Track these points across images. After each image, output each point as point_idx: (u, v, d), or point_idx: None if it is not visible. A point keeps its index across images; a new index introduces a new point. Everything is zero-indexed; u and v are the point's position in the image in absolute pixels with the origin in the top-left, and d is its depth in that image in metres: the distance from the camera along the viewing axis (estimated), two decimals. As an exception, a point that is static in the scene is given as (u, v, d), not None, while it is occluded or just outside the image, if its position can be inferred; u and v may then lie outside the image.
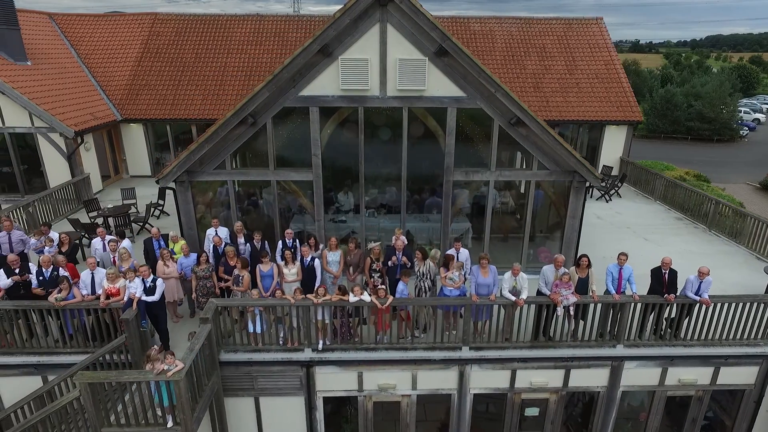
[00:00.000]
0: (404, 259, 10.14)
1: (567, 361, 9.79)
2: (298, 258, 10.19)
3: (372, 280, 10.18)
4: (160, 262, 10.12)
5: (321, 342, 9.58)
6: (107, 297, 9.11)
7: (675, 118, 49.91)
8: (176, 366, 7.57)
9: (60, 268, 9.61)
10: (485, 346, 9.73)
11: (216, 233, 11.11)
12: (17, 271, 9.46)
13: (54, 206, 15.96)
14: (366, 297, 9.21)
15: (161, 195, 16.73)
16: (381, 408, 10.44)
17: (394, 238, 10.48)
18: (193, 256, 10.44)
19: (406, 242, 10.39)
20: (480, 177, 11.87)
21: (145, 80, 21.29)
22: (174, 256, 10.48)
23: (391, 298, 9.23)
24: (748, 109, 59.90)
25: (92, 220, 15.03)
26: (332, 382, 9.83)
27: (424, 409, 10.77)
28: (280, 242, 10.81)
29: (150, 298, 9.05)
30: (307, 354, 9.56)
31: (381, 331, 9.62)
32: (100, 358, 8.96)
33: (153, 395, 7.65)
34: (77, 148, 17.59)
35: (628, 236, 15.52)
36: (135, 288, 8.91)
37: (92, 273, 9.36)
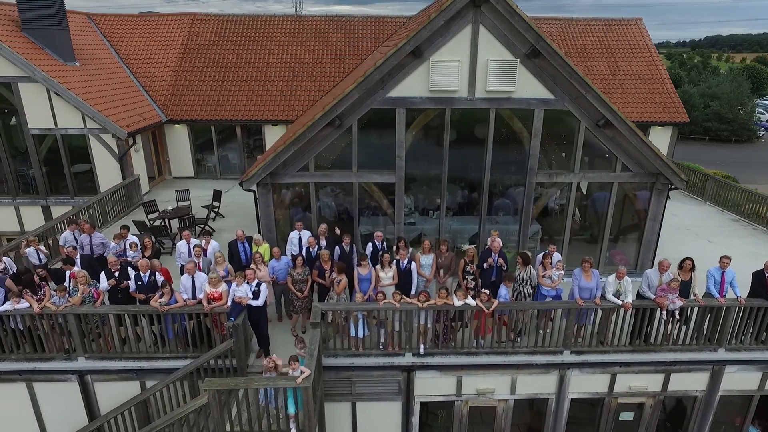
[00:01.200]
0: (500, 261, 10.05)
1: (668, 365, 9.70)
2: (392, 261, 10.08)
3: (465, 282, 10.09)
4: (252, 266, 9.99)
5: (422, 346, 9.48)
6: (208, 301, 9.00)
7: (692, 119, 49.81)
8: (302, 372, 7.47)
9: (156, 272, 9.50)
10: (586, 350, 9.64)
11: (300, 236, 11.02)
12: (116, 273, 9.34)
13: (104, 208, 15.74)
14: (471, 301, 9.12)
15: (216, 197, 16.58)
16: (473, 412, 10.34)
17: (489, 240, 10.38)
18: (285, 259, 10.33)
19: (502, 244, 10.28)
20: (563, 179, 11.79)
21: (187, 81, 21.17)
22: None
23: (496, 302, 9.13)
24: (761, 110, 59.91)
25: (151, 222, 14.89)
26: (431, 386, 9.73)
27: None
28: (369, 245, 10.70)
29: (255, 303, 8.93)
30: (408, 358, 9.46)
31: (482, 335, 9.52)
32: (205, 363, 8.88)
33: (279, 401, 7.54)
34: (129, 149, 17.44)
35: (690, 238, 15.45)
36: (244, 292, 8.79)
37: (192, 277, 9.24)
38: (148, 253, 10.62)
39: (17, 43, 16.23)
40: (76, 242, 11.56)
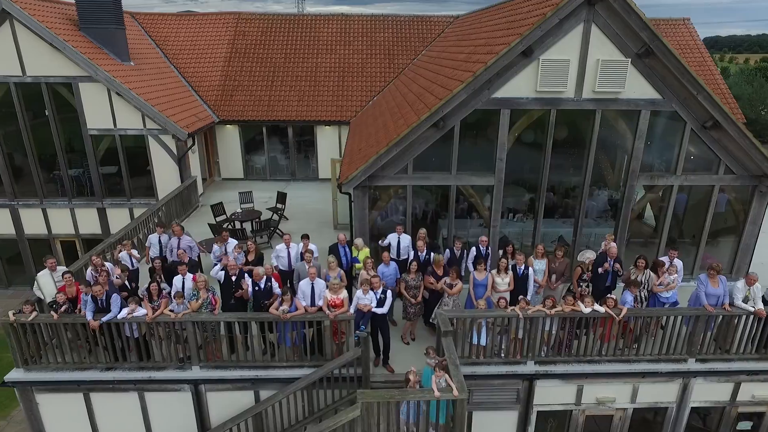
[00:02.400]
0: (617, 266, 9.78)
1: (795, 373, 9.46)
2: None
3: (580, 289, 9.81)
4: (363, 272, 9.70)
5: (543, 354, 9.20)
6: (329, 308, 8.71)
7: (714, 120, 49.71)
8: (450, 382, 7.19)
9: (272, 279, 9.20)
10: (711, 358, 9.38)
11: (399, 240, 10.75)
12: (233, 277, 9.03)
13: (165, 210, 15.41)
14: (599, 308, 8.85)
15: (280, 199, 16.28)
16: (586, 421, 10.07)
17: (603, 243, 10.13)
18: (393, 264, 10.05)
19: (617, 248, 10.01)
20: (665, 181, 11.52)
21: (237, 81, 20.88)
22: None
23: (625, 309, 8.86)
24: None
25: (219, 224, 14.57)
26: (551, 395, 9.46)
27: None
28: (473, 249, 10.42)
29: (379, 311, 8.65)
30: (530, 367, 9.19)
31: (606, 342, 9.25)
32: (327, 373, 8.59)
33: (431, 413, 7.26)
34: (188, 150, 17.12)
35: (768, 240, 15.20)
36: (369, 300, 8.51)
37: (312, 284, 8.94)
38: (251, 257, 10.31)
39: (77, 43, 15.90)
40: (160, 245, 11.31)
